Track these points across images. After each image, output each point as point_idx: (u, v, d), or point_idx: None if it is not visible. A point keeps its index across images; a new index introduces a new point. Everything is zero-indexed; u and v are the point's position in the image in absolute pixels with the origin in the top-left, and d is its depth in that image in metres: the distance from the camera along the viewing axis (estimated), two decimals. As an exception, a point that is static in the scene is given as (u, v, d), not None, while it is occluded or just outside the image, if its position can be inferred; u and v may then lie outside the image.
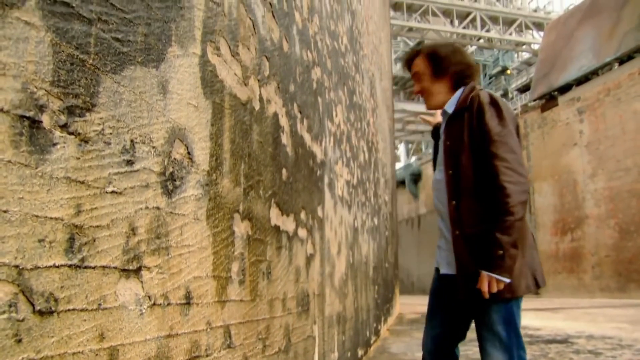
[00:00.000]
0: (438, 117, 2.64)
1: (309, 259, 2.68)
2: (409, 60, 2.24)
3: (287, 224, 2.26)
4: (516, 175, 1.83)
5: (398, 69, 27.87)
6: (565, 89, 18.88)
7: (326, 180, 3.27)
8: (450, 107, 2.07)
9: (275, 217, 2.08)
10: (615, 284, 16.19)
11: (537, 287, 1.93)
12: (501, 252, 1.79)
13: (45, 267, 0.82)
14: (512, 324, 1.90)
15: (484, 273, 1.81)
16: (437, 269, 2.14)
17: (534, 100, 20.40)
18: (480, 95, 1.97)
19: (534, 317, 10.03)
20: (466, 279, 1.90)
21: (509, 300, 1.88)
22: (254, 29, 1.90)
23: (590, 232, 17.25)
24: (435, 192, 2.10)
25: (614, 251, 16.28)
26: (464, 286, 1.91)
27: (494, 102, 1.95)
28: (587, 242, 17.35)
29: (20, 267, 0.77)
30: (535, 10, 31.91)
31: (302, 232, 2.53)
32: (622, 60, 16.73)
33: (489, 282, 1.80)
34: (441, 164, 2.07)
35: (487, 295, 1.81)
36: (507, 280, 1.80)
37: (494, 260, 1.80)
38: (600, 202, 16.93)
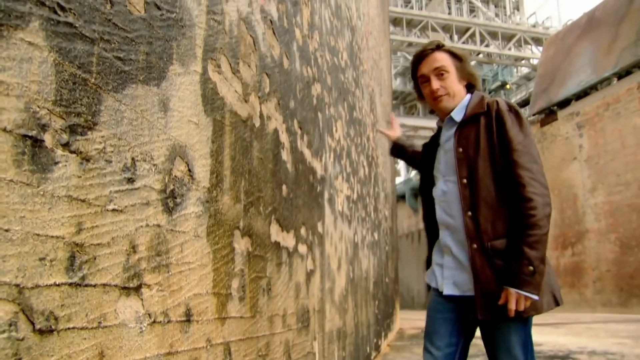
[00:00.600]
0: (397, 131, 2.53)
1: (309, 275, 2.68)
2: (424, 54, 2.01)
3: (287, 240, 2.26)
4: (541, 187, 1.74)
5: (398, 83, 28.00)
6: (564, 103, 18.93)
7: (326, 195, 3.27)
8: (458, 115, 1.95)
9: (276, 233, 2.08)
10: (616, 299, 16.11)
11: (556, 304, 1.82)
12: (531, 268, 1.67)
13: (46, 285, 0.82)
14: (528, 347, 1.81)
15: (512, 290, 1.69)
16: (435, 289, 1.98)
17: (534, 115, 20.45)
18: (498, 101, 1.88)
19: (535, 332, 9.95)
20: (488, 297, 1.75)
21: (527, 319, 1.79)
22: (255, 46, 1.92)
23: (591, 247, 17.19)
24: (442, 205, 1.94)
25: (615, 266, 16.21)
26: (485, 305, 1.75)
27: (513, 110, 1.86)
28: (587, 257, 17.29)
29: (21, 286, 0.77)
30: (534, 26, 32.11)
31: (302, 248, 2.53)
32: (621, 75, 16.79)
33: (517, 300, 1.69)
34: (448, 174, 1.93)
35: (512, 314, 1.70)
36: (536, 298, 1.70)
37: (524, 277, 1.68)
38: (601, 216, 16.90)
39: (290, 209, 2.32)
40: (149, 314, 1.11)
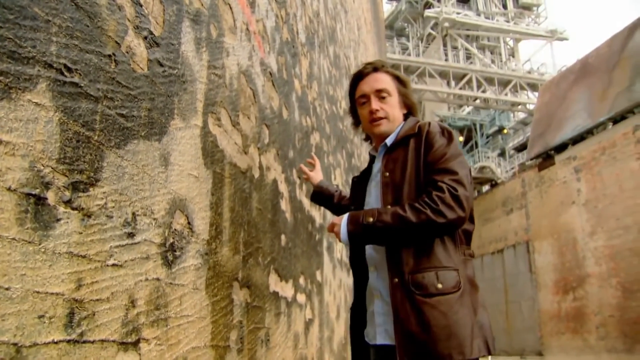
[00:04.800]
0: (319, 174, 2.28)
1: (308, 324, 2.65)
2: (366, 72, 1.83)
3: (286, 289, 2.25)
4: (458, 201, 1.51)
5: (396, 129, 28.20)
6: (561, 148, 19.09)
7: (325, 244, 3.26)
8: (391, 141, 1.76)
9: (274, 283, 2.07)
10: (621, 345, 15.83)
11: (488, 352, 1.51)
12: (372, 221, 1.54)
13: (44, 343, 0.82)
14: None
15: (345, 216, 1.59)
16: (372, 346, 1.64)
17: (531, 159, 20.60)
18: (430, 123, 1.69)
19: (539, 381, 9.75)
20: (408, 339, 1.44)
21: None
22: (255, 98, 1.95)
23: (592, 292, 17.01)
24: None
25: (618, 311, 15.99)
26: (406, 348, 1.44)
27: (446, 132, 1.68)
28: (589, 302, 17.08)
29: (19, 345, 0.77)
30: (529, 72, 32.61)
31: (301, 298, 2.51)
32: (616, 120, 17.02)
33: (334, 226, 1.59)
34: (376, 206, 1.69)
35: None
36: (342, 238, 1.57)
37: (360, 219, 1.56)
38: (601, 260, 16.78)
39: (289, 259, 2.31)
40: (146, 370, 1.10)
